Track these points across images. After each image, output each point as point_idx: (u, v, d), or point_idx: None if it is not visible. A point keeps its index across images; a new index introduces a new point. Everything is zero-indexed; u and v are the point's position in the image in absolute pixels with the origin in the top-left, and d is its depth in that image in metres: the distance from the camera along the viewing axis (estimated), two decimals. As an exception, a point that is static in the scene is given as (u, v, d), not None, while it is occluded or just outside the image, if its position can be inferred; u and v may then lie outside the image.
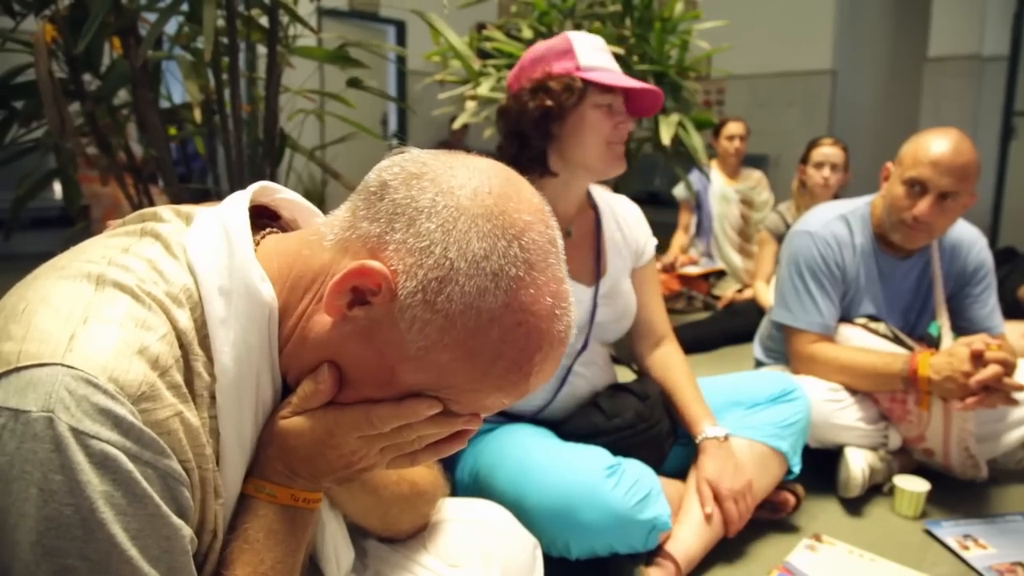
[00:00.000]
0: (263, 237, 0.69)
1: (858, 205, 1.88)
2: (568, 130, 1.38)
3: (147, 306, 0.58)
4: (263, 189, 0.72)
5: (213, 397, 0.61)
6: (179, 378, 0.58)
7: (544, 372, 0.63)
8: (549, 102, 1.36)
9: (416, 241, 0.58)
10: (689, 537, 1.37)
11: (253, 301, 0.62)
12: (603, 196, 1.59)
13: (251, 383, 0.63)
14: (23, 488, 0.51)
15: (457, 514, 1.00)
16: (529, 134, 1.39)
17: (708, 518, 1.39)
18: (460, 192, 0.59)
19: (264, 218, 0.75)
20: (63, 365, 0.52)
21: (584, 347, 1.49)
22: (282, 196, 0.75)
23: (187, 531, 0.58)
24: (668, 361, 1.59)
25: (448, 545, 0.94)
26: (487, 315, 0.58)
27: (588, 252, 1.52)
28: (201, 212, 0.68)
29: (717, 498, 1.40)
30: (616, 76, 1.38)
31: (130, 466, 0.53)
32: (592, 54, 1.39)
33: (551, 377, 0.64)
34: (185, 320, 0.60)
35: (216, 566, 0.65)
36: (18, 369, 0.52)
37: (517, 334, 0.59)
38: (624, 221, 1.59)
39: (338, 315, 0.61)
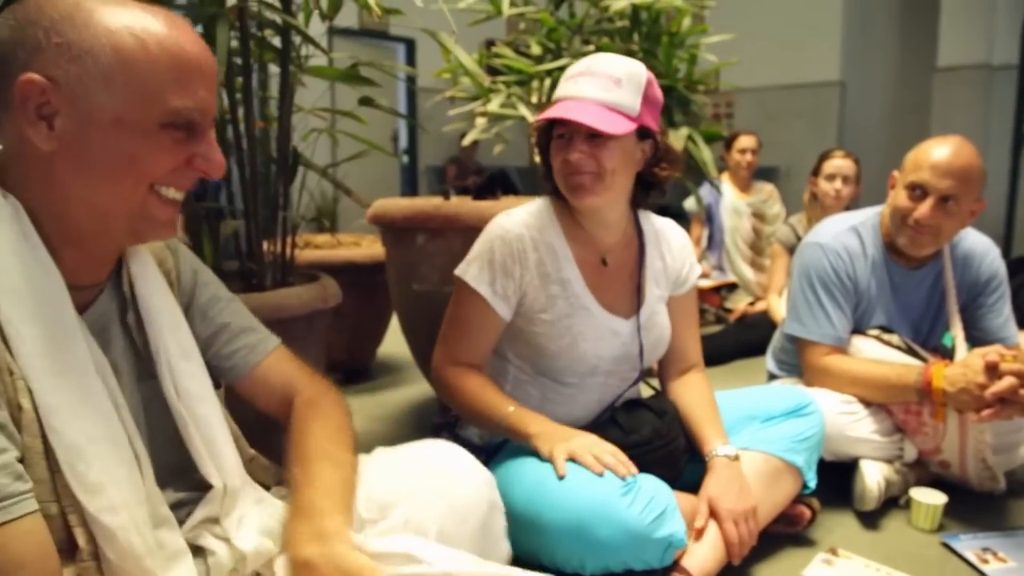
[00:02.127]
0: None
1: (868, 216, 1.88)
2: None
3: None
4: None
5: None
6: None
7: (184, 38, 0.77)
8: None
9: (24, 49, 0.73)
10: (705, 551, 1.36)
11: None
12: (651, 221, 1.59)
13: (15, 265, 0.75)
14: None
15: (407, 450, 1.03)
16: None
17: (697, 534, 1.37)
18: (20, 6, 0.75)
19: None
20: None
21: (638, 379, 1.51)
22: None
23: None
24: (691, 385, 1.59)
25: (393, 482, 0.95)
26: (107, 30, 0.74)
27: (627, 282, 1.52)
28: None
29: (716, 517, 1.39)
30: (559, 107, 1.36)
31: None
32: (562, 84, 1.40)
33: (195, 44, 0.79)
34: None
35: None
36: None
37: (136, 28, 0.75)
38: (669, 247, 1.58)
39: (55, 143, 0.74)
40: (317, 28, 1.95)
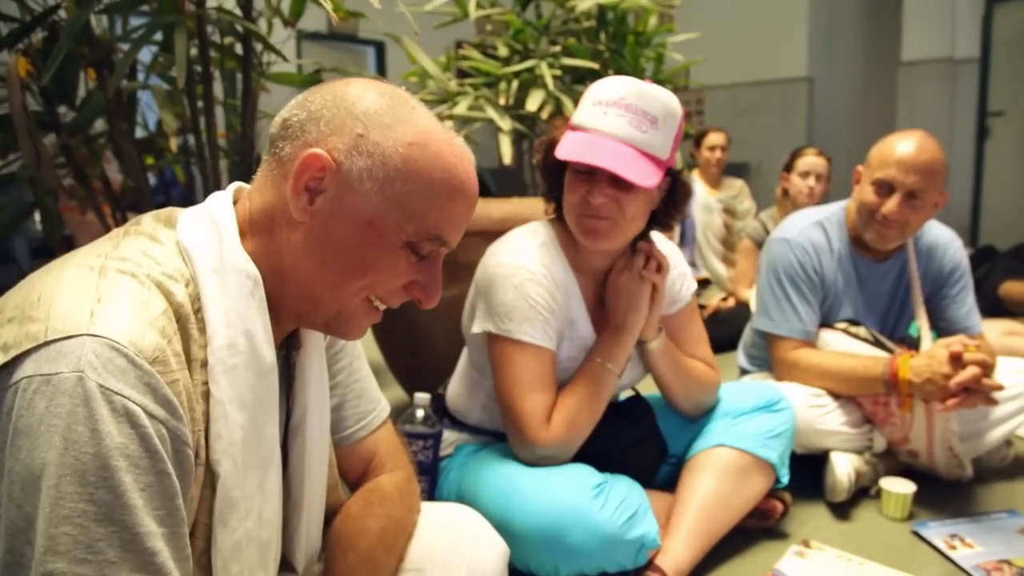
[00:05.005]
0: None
1: (833, 211, 1.90)
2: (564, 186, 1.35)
3: (147, 287, 0.66)
4: (240, 189, 0.82)
5: (204, 364, 0.69)
6: (179, 347, 0.66)
7: (467, 174, 0.77)
8: (538, 157, 1.41)
9: (328, 126, 0.73)
10: (679, 549, 1.37)
11: (241, 277, 0.72)
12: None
13: (243, 345, 0.71)
14: (48, 439, 0.56)
15: (425, 516, 1.01)
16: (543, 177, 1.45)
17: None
18: (343, 86, 0.76)
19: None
20: (89, 335, 0.59)
21: None
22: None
23: (180, 491, 0.63)
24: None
25: (413, 547, 0.95)
26: (406, 141, 0.73)
27: None
28: (185, 211, 0.78)
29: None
30: (586, 145, 1.25)
31: (147, 423, 0.59)
32: (589, 110, 1.28)
33: (472, 182, 0.79)
34: (181, 294, 0.68)
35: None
36: (47, 343, 0.59)
37: (431, 149, 0.74)
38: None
39: (307, 217, 0.73)
40: (284, 33, 1.94)
